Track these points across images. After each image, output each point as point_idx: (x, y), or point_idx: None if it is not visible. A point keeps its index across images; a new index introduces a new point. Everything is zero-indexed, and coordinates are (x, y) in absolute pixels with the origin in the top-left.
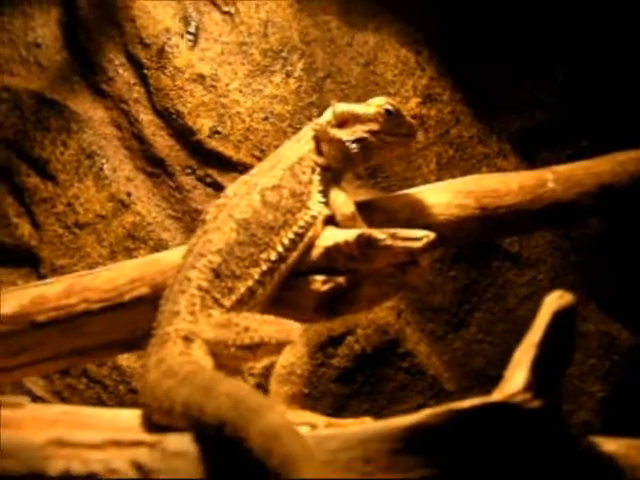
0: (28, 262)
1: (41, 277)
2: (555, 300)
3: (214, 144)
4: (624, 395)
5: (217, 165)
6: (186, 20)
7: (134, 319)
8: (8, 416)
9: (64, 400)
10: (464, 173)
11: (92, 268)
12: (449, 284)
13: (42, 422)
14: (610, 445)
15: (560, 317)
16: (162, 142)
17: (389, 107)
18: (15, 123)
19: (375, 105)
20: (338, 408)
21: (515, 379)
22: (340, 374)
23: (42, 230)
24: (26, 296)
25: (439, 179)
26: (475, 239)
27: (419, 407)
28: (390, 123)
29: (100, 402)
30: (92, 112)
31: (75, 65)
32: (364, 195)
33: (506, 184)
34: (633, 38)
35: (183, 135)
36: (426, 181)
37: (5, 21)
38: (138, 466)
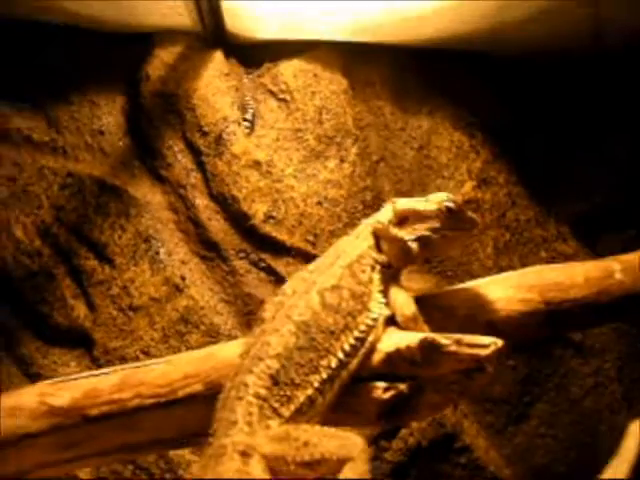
0: (82, 343)
1: (94, 359)
2: (638, 429)
3: (268, 229)
4: None
5: (271, 250)
6: (243, 108)
7: (186, 416)
8: None
9: None
10: (522, 257)
11: (144, 351)
12: (509, 374)
13: None
14: None
15: None
16: (217, 226)
17: (450, 204)
18: (77, 207)
19: (436, 202)
20: None
21: None
22: (394, 469)
23: (97, 312)
24: (79, 388)
25: (496, 264)
26: (539, 335)
27: None
28: (451, 219)
29: None
30: (150, 197)
31: (136, 151)
32: (418, 281)
33: (570, 276)
34: None
35: (238, 220)
36: (483, 265)
37: (73, 110)
38: None
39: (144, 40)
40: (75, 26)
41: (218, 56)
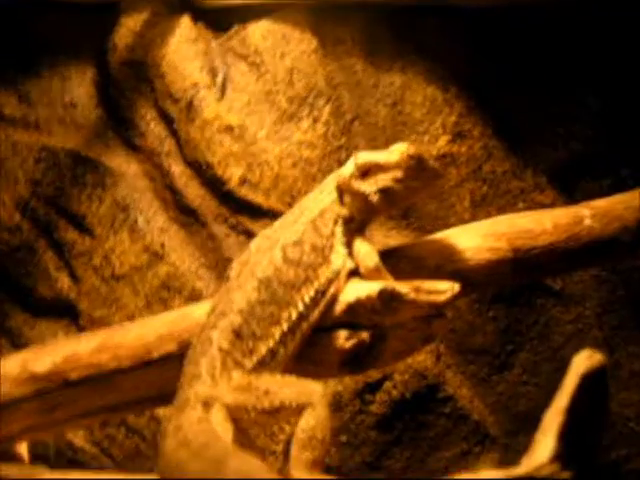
0: (68, 314)
1: (81, 328)
2: (583, 361)
3: (244, 192)
4: None
5: (248, 213)
6: (213, 72)
7: (162, 375)
8: None
9: (104, 450)
10: (499, 209)
11: (129, 319)
12: (490, 324)
13: None
14: None
15: (589, 379)
16: (194, 192)
17: (411, 152)
18: (53, 180)
19: (397, 152)
20: (379, 456)
21: (542, 448)
22: (379, 421)
23: (80, 283)
24: (59, 353)
25: (474, 217)
26: (509, 283)
27: (463, 454)
28: (413, 169)
29: (138, 452)
30: (126, 166)
31: (109, 122)
32: (396, 237)
33: (540, 223)
34: None
35: (214, 185)
36: (460, 219)
37: (44, 83)
38: None
39: (110, 9)
40: None
41: (185, 21)
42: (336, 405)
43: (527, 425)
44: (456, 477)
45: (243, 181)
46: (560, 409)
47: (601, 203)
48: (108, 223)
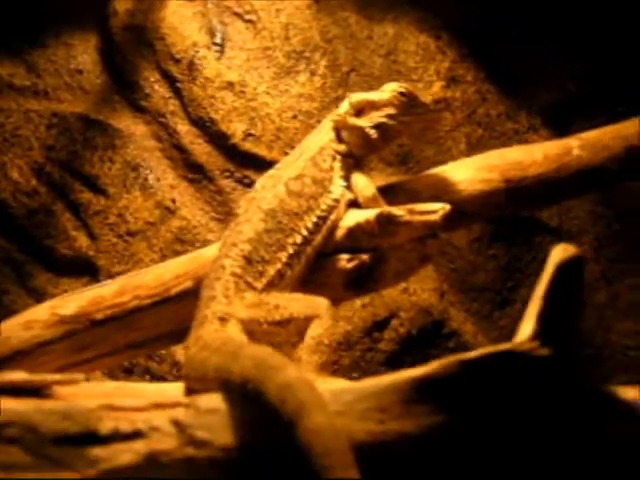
0: (88, 271)
1: None
2: (559, 253)
3: (248, 146)
4: None
5: (253, 166)
6: (211, 32)
7: (181, 311)
8: (64, 391)
9: None
10: None
11: None
12: (490, 263)
13: (95, 394)
14: (633, 392)
15: (564, 269)
16: (200, 149)
17: (402, 90)
18: (66, 145)
19: (388, 90)
20: None
21: (523, 330)
22: (388, 357)
23: (98, 241)
24: (84, 298)
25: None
26: (503, 213)
27: None
28: (405, 105)
29: None
30: (133, 128)
31: (114, 86)
32: None
33: (530, 155)
34: None
35: (219, 141)
36: None
37: (49, 52)
38: (176, 422)
39: None
40: None
41: None
42: (346, 344)
43: None
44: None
45: (246, 135)
46: (539, 296)
47: (589, 134)
48: (120, 183)
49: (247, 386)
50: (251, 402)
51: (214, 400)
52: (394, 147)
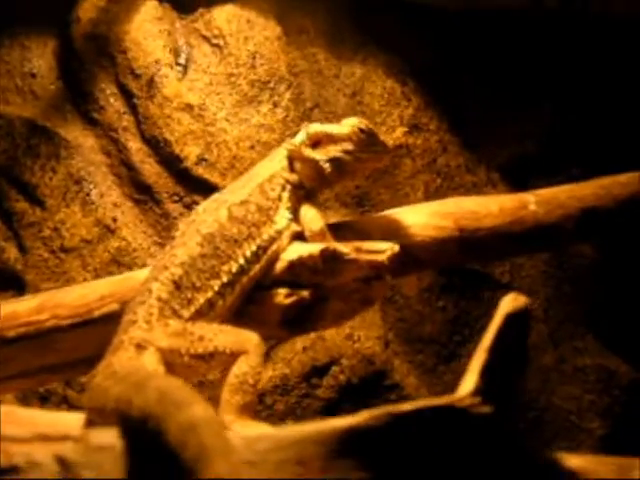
0: (13, 285)
1: None
2: (508, 303)
3: (201, 171)
4: (625, 432)
5: (203, 192)
6: (176, 52)
7: (103, 336)
8: None
9: None
10: None
11: None
12: (438, 314)
13: None
14: (576, 461)
15: (512, 320)
16: (150, 169)
17: (362, 126)
18: (7, 149)
19: (348, 125)
20: None
21: (465, 385)
22: (325, 406)
23: (28, 254)
24: None
25: None
26: (454, 263)
27: None
28: (363, 141)
29: None
30: (82, 139)
31: (68, 94)
32: None
33: (486, 206)
34: (619, 65)
35: (170, 163)
36: None
37: (3, 53)
38: (60, 460)
39: None
40: None
41: (150, 0)
42: (282, 388)
43: None
44: (377, 409)
45: (200, 160)
46: (484, 348)
47: (546, 191)
48: (60, 195)
49: (147, 422)
50: (151, 442)
51: (108, 436)
52: (351, 188)
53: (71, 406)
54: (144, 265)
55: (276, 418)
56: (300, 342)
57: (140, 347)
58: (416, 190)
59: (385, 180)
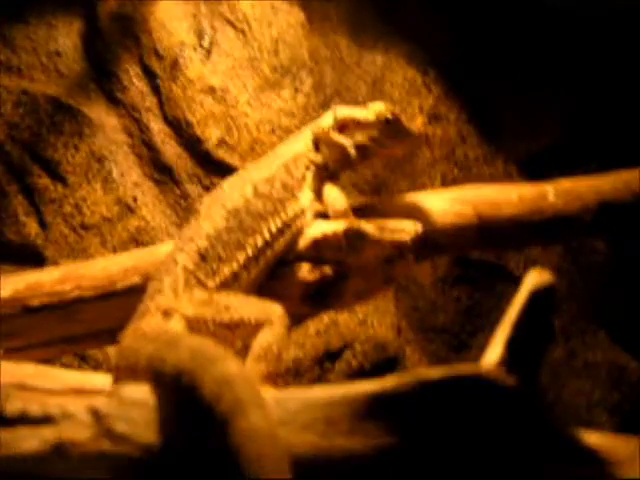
0: (33, 260)
1: None
2: (533, 279)
3: (221, 154)
4: (634, 428)
5: (223, 175)
6: (200, 34)
7: (124, 308)
8: None
9: None
10: None
11: None
12: (452, 304)
13: (9, 373)
14: (595, 438)
15: (537, 296)
16: (171, 150)
17: (388, 115)
18: (30, 125)
19: (375, 112)
20: None
21: (490, 356)
22: None
23: (49, 230)
24: (22, 282)
25: None
26: (472, 249)
27: None
28: (389, 129)
29: None
30: (105, 119)
31: (92, 73)
32: None
33: (505, 194)
34: (635, 60)
35: (191, 144)
36: None
37: (30, 30)
38: (94, 411)
39: None
40: None
41: None
42: (295, 371)
43: None
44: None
45: (221, 143)
46: (509, 322)
47: (565, 182)
48: (82, 172)
49: (181, 378)
50: (184, 398)
51: (141, 392)
52: (368, 176)
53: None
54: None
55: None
56: (313, 326)
57: (167, 314)
58: (433, 180)
59: (403, 169)
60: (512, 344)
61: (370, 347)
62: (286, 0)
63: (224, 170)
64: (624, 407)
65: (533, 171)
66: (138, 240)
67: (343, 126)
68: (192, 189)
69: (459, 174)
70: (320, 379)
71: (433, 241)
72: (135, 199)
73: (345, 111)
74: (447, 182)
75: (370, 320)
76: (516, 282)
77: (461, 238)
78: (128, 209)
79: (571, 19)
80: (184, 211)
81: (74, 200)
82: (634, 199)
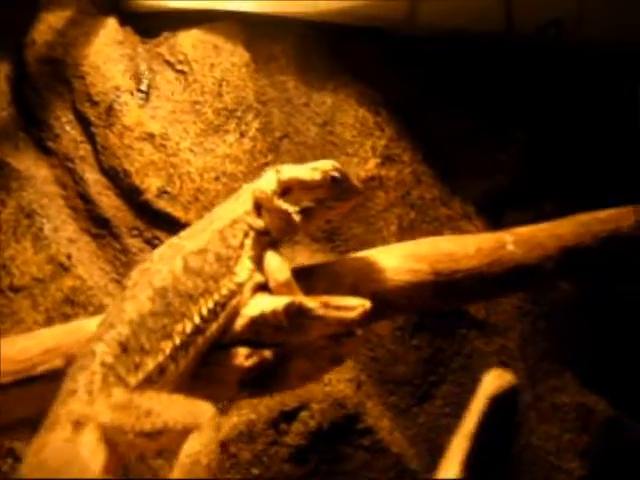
0: None
1: None
2: (492, 381)
3: (162, 204)
4: (604, 472)
5: (165, 226)
6: (137, 78)
7: (45, 393)
8: None
9: None
10: (426, 235)
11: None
12: (412, 354)
13: None
14: None
15: (497, 402)
16: (108, 202)
17: (335, 174)
18: None
19: (321, 171)
20: None
21: (446, 474)
22: (294, 453)
23: None
24: None
25: (400, 242)
26: (431, 307)
27: None
28: (335, 189)
29: None
30: (35, 170)
31: (21, 121)
32: (322, 260)
33: (462, 247)
34: (595, 96)
35: (130, 195)
36: (387, 244)
37: None
38: None
39: (31, 3)
40: None
41: (111, 23)
42: (248, 436)
43: None
44: None
45: (162, 192)
46: (466, 434)
47: (523, 230)
48: (10, 229)
49: None
50: None
51: None
52: (321, 223)
53: (16, 459)
54: (101, 305)
55: (241, 467)
56: None
57: (78, 424)
58: (389, 224)
59: (357, 214)
60: (470, 461)
61: (328, 405)
62: (230, 39)
63: (166, 222)
64: (593, 450)
65: (491, 210)
66: (74, 301)
67: (287, 188)
68: (132, 243)
69: (416, 217)
70: (275, 443)
71: (388, 301)
72: (69, 256)
73: (289, 172)
74: (403, 226)
75: (327, 376)
76: (477, 326)
77: (417, 296)
78: (62, 268)
79: (527, 57)
80: (124, 267)
81: (1, 260)
82: (596, 243)
